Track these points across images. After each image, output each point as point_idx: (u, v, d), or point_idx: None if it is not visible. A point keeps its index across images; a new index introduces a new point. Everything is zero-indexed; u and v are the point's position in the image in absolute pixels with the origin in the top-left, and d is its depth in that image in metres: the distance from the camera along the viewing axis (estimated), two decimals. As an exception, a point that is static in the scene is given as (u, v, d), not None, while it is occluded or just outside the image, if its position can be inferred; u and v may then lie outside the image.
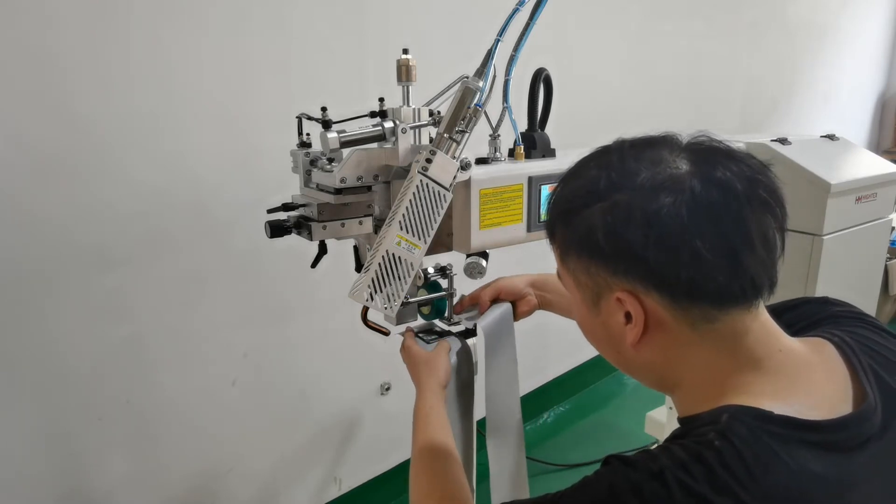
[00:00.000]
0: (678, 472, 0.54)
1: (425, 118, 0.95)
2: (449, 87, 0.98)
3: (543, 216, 0.66)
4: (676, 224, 0.55)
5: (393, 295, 0.87)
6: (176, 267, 1.45)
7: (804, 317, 0.73)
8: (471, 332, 1.03)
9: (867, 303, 1.75)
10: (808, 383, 0.60)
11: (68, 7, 1.21)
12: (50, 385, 1.34)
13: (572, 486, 0.60)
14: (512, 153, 1.06)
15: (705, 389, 0.61)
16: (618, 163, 0.61)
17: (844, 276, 1.56)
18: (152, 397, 1.49)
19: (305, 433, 1.82)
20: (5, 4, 1.15)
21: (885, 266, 2.53)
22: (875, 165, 1.63)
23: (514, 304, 1.10)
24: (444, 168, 0.87)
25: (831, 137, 1.69)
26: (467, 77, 0.91)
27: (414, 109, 0.94)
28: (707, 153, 0.60)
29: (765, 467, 0.54)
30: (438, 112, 0.95)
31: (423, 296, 1.01)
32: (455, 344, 1.00)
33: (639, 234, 0.57)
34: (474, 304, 1.08)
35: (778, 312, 0.66)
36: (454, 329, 1.04)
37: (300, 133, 1.04)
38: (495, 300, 1.08)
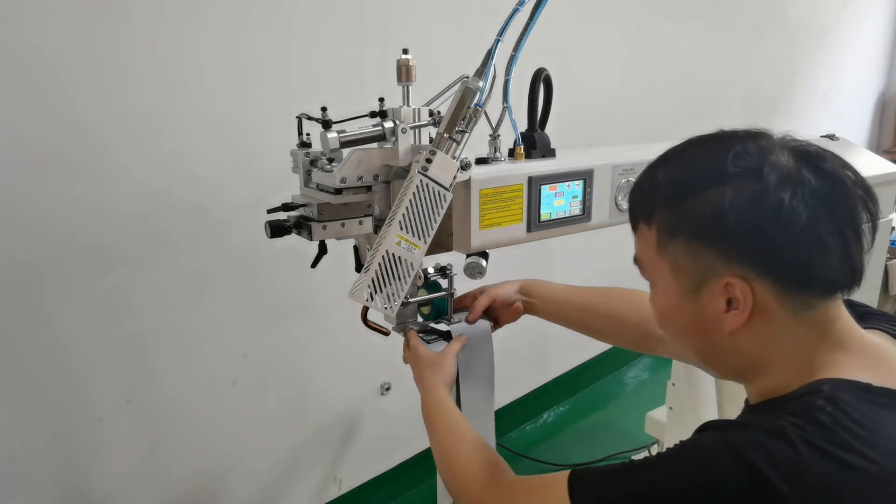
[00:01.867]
0: (799, 431, 0.54)
1: (425, 118, 0.95)
2: (449, 87, 0.98)
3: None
4: (802, 212, 0.57)
5: (393, 295, 0.87)
6: (176, 267, 1.45)
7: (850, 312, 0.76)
8: (449, 336, 1.03)
9: (867, 303, 1.75)
10: (889, 362, 0.63)
11: (67, 7, 1.21)
12: (50, 385, 1.34)
13: (664, 451, 0.61)
14: (512, 153, 1.06)
15: (794, 371, 0.63)
16: (739, 149, 0.61)
17: (844, 276, 1.57)
18: (152, 397, 1.49)
19: (305, 433, 1.82)
20: (4, 4, 1.15)
21: (885, 266, 2.53)
22: (875, 165, 1.63)
23: (501, 312, 1.09)
24: (444, 168, 0.87)
25: (831, 137, 1.68)
26: (467, 77, 0.91)
27: (414, 109, 0.94)
28: (805, 148, 0.62)
29: (877, 429, 0.55)
30: (438, 112, 0.95)
31: (423, 296, 1.01)
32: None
33: (764, 219, 0.58)
34: (463, 308, 1.07)
35: None
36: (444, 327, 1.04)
37: (300, 133, 1.03)
38: (488, 309, 1.07)
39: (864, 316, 0.73)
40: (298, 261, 1.24)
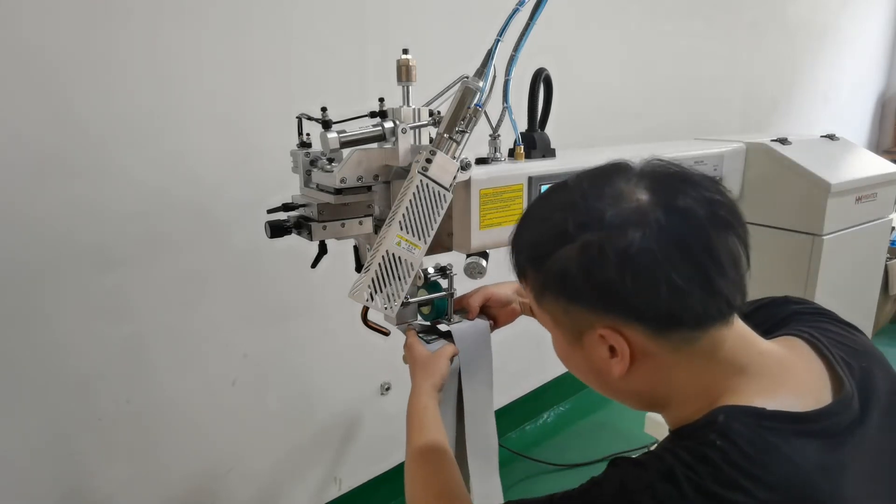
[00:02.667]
0: (687, 471, 0.55)
1: (425, 118, 0.95)
2: (449, 87, 0.99)
3: (510, 258, 0.68)
4: (649, 258, 0.56)
5: (393, 295, 0.87)
6: (176, 267, 1.45)
7: (769, 317, 0.75)
8: (448, 336, 1.03)
9: (867, 303, 1.75)
10: (790, 379, 0.63)
11: (67, 7, 1.21)
12: (49, 385, 1.34)
13: (579, 486, 0.61)
14: (512, 153, 1.06)
15: (695, 401, 0.63)
16: (581, 201, 0.61)
17: (844, 276, 1.56)
18: (152, 397, 1.49)
19: (305, 433, 1.82)
20: (4, 4, 1.15)
21: (885, 266, 2.53)
22: (875, 165, 1.63)
23: (497, 312, 1.09)
24: (444, 168, 0.87)
25: (831, 137, 1.69)
26: (467, 77, 0.91)
27: (414, 109, 0.94)
28: (664, 179, 0.61)
29: (767, 460, 0.56)
30: (438, 112, 0.95)
31: (423, 296, 1.01)
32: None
33: (614, 273, 0.57)
34: (461, 309, 1.07)
35: (747, 315, 0.68)
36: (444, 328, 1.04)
37: (300, 133, 1.03)
38: (483, 307, 1.07)
39: (786, 320, 0.73)
40: (298, 261, 1.25)
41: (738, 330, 0.64)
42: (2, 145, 1.19)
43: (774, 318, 0.75)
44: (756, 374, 0.62)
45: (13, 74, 1.18)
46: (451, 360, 0.97)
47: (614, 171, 0.63)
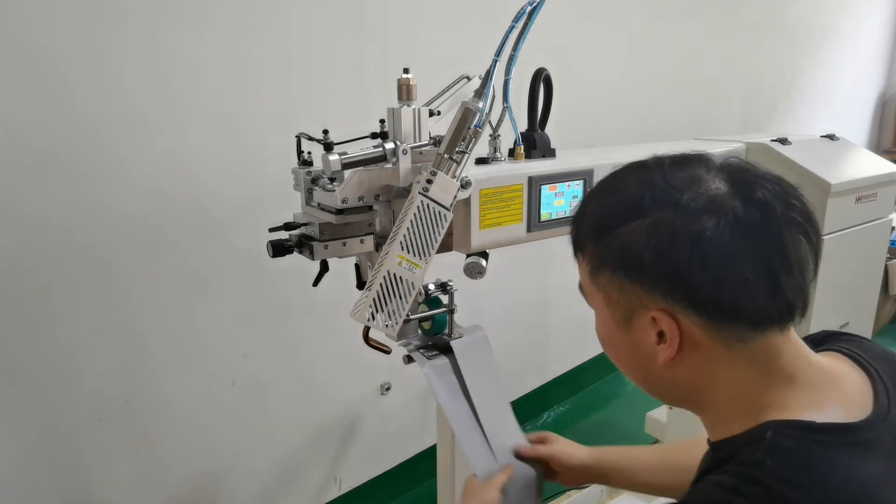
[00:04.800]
0: (735, 498, 0.54)
1: (426, 139, 0.95)
2: (449, 87, 0.99)
3: (569, 228, 0.66)
4: (721, 246, 0.55)
5: (394, 314, 0.87)
6: (176, 267, 1.45)
7: (804, 339, 0.73)
8: (449, 350, 1.02)
9: (867, 303, 1.75)
10: (838, 391, 0.61)
11: (67, 6, 1.21)
12: (50, 385, 1.34)
13: None
14: (512, 153, 1.06)
15: (739, 407, 0.61)
16: (659, 180, 0.59)
17: (844, 276, 1.56)
18: (152, 397, 1.49)
19: (305, 433, 1.82)
20: (4, 4, 1.15)
21: (885, 266, 2.53)
22: (875, 165, 1.63)
23: (559, 470, 1.00)
24: (444, 188, 0.87)
25: (831, 137, 1.69)
26: (467, 78, 0.91)
27: (414, 122, 0.94)
28: (742, 174, 0.60)
29: (820, 475, 0.54)
30: (438, 137, 0.95)
31: (424, 312, 1.01)
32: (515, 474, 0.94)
33: (683, 255, 0.56)
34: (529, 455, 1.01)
35: None
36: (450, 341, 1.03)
37: (299, 154, 1.04)
38: (545, 458, 1.00)
39: (823, 339, 0.72)
40: (298, 261, 1.25)
41: (793, 341, 0.62)
42: (2, 145, 1.19)
43: (810, 340, 0.72)
44: (805, 385, 0.60)
45: (14, 75, 1.18)
46: (502, 490, 0.90)
47: (695, 159, 0.62)
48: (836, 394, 0.61)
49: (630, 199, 0.60)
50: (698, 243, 0.55)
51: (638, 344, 0.63)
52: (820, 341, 0.71)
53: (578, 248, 0.67)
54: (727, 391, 0.62)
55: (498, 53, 0.89)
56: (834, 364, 0.64)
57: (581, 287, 0.70)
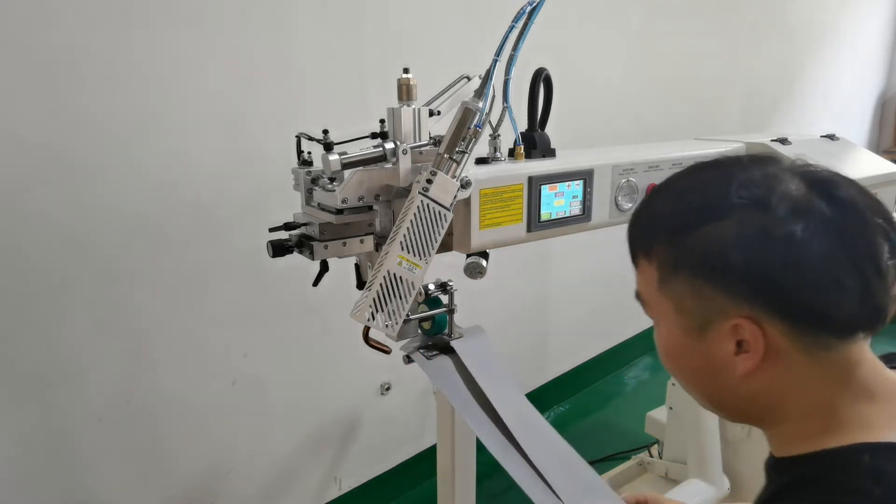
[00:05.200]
0: None
1: (425, 139, 0.95)
2: (449, 87, 0.99)
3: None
4: (814, 247, 0.52)
5: (394, 314, 0.87)
6: (176, 267, 1.45)
7: None
8: (450, 351, 1.03)
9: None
10: None
11: (69, 6, 1.21)
12: (50, 385, 1.34)
13: None
14: (512, 153, 1.06)
15: (817, 423, 0.58)
16: (742, 177, 0.56)
17: (844, 276, 1.56)
18: (152, 397, 1.49)
19: (305, 433, 1.82)
20: (6, 4, 1.15)
21: (885, 266, 2.52)
22: (875, 165, 1.63)
23: None
24: (444, 188, 0.87)
25: (831, 137, 1.68)
26: (467, 78, 0.91)
27: (414, 122, 0.94)
28: (818, 174, 0.57)
29: None
30: (438, 137, 0.95)
31: (424, 311, 1.01)
32: None
33: (776, 256, 0.53)
34: None
35: None
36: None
37: (299, 154, 1.04)
38: None
39: (889, 357, 0.68)
40: (298, 261, 1.25)
41: (868, 350, 0.58)
42: (4, 145, 1.19)
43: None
44: (884, 401, 0.57)
45: (15, 75, 1.18)
46: None
47: (770, 159, 0.59)
48: None
49: (713, 197, 0.56)
50: (792, 244, 0.52)
51: (712, 355, 0.58)
52: (886, 360, 0.67)
53: (643, 251, 0.62)
54: (805, 404, 0.58)
55: (498, 53, 0.89)
56: None
57: (639, 295, 0.65)
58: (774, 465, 0.61)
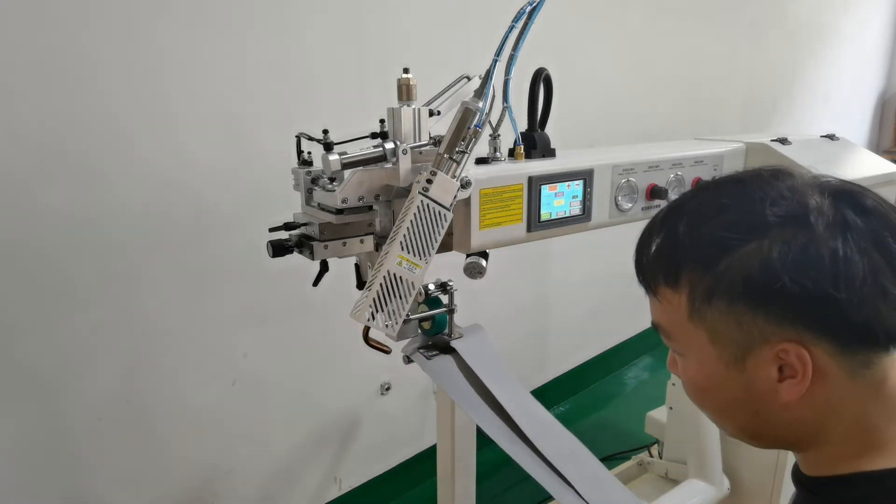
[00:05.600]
0: None
1: (426, 139, 0.95)
2: (449, 87, 0.99)
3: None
4: (858, 260, 0.50)
5: (394, 314, 0.87)
6: (176, 267, 1.45)
7: None
8: (450, 351, 1.03)
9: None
10: None
11: (71, 6, 1.21)
12: (50, 385, 1.34)
13: None
14: (512, 153, 1.06)
15: (857, 444, 0.56)
16: (771, 194, 0.53)
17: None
18: (152, 397, 1.49)
19: (305, 433, 1.82)
20: (8, 3, 1.15)
21: (885, 266, 2.52)
22: (875, 165, 1.63)
23: None
24: (444, 188, 0.87)
25: (831, 137, 1.68)
26: (467, 78, 0.91)
27: (414, 122, 0.94)
28: (838, 185, 0.55)
29: None
30: (438, 137, 0.95)
31: (424, 312, 1.01)
32: None
33: (824, 274, 0.50)
34: None
35: None
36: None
37: (299, 153, 1.04)
38: None
39: None
40: (298, 261, 1.25)
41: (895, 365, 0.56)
42: (4, 145, 1.19)
43: None
44: None
45: (15, 74, 1.18)
46: None
47: (785, 172, 0.56)
48: None
49: (745, 216, 0.53)
50: (837, 260, 0.50)
51: (752, 385, 0.55)
52: None
53: (668, 280, 0.58)
54: (846, 426, 0.56)
55: (498, 53, 0.89)
56: None
57: (660, 326, 0.61)
58: (808, 484, 0.59)
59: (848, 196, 0.53)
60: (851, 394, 0.54)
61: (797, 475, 0.62)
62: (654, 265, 0.59)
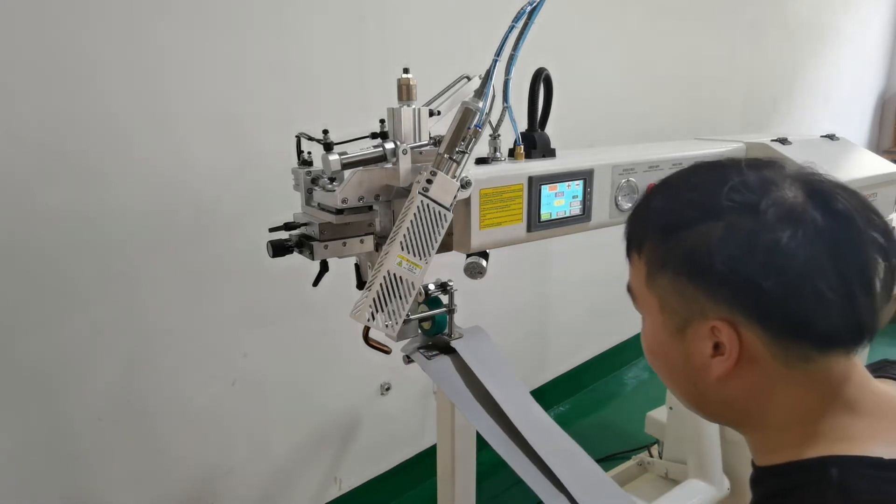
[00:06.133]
0: None
1: (425, 139, 0.95)
2: (449, 87, 0.99)
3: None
4: (799, 257, 0.52)
5: (394, 314, 0.87)
6: (176, 267, 1.45)
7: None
8: (450, 351, 1.03)
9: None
10: None
11: (71, 6, 1.21)
12: (50, 385, 1.34)
13: None
14: (512, 153, 1.06)
15: (793, 431, 0.57)
16: (737, 181, 0.56)
17: (844, 276, 1.56)
18: (152, 397, 1.49)
19: (305, 433, 1.82)
20: (9, 3, 1.15)
21: (885, 266, 2.51)
22: (875, 165, 1.63)
23: None
24: (444, 188, 0.87)
25: (831, 137, 1.68)
26: (467, 78, 0.91)
27: (414, 122, 0.94)
28: (820, 183, 0.56)
29: None
30: (438, 137, 0.95)
31: (424, 312, 1.01)
32: None
33: (759, 262, 0.52)
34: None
35: None
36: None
37: (299, 153, 1.04)
38: None
39: (882, 367, 0.68)
40: (298, 261, 1.25)
41: (855, 364, 0.58)
42: (5, 145, 1.19)
43: (870, 368, 0.68)
44: (867, 414, 0.56)
45: (15, 74, 1.18)
46: None
47: (771, 164, 0.58)
48: None
49: (705, 198, 0.57)
50: (775, 252, 0.52)
51: (691, 355, 0.59)
52: (878, 369, 0.67)
53: (636, 246, 0.63)
54: (782, 414, 0.58)
55: (498, 53, 0.89)
56: (891, 390, 0.60)
57: (630, 289, 0.66)
58: (754, 475, 0.62)
59: (820, 195, 0.55)
60: (788, 383, 0.56)
61: (751, 473, 0.64)
62: (629, 232, 0.65)
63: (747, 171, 0.57)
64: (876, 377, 0.63)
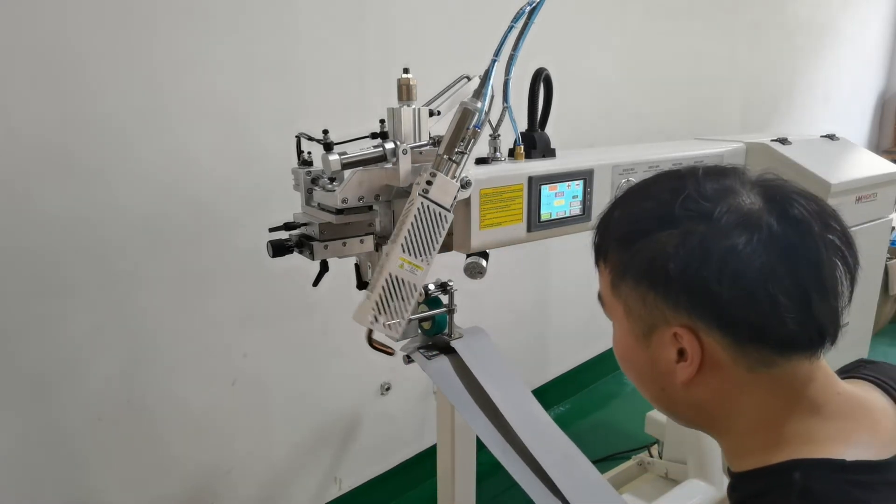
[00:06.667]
0: None
1: (425, 139, 0.95)
2: (449, 87, 0.99)
3: (593, 237, 0.63)
4: (753, 263, 0.53)
5: (397, 316, 0.88)
6: (176, 267, 1.45)
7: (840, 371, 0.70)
8: (450, 351, 1.03)
9: (867, 303, 1.75)
10: (870, 422, 0.58)
11: (71, 6, 1.21)
12: (50, 385, 1.34)
13: None
14: (512, 153, 1.07)
15: (760, 435, 0.58)
16: (693, 190, 0.57)
17: (844, 276, 1.56)
18: (152, 397, 1.49)
19: (305, 433, 1.82)
20: (9, 3, 1.15)
21: (885, 266, 2.53)
22: (875, 165, 1.63)
23: None
24: (444, 189, 0.87)
25: (831, 137, 1.69)
26: (467, 78, 0.91)
27: (414, 122, 0.94)
28: (778, 189, 0.57)
29: None
30: (438, 137, 0.95)
31: (424, 311, 1.01)
32: None
33: (713, 269, 0.53)
34: None
35: None
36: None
37: (299, 154, 1.04)
38: None
39: (855, 366, 0.68)
40: (298, 261, 1.25)
41: (820, 366, 0.58)
42: (5, 144, 1.19)
43: (842, 371, 0.68)
44: (832, 416, 0.57)
45: (15, 74, 1.18)
46: None
47: (730, 171, 0.60)
48: (865, 425, 0.58)
49: (660, 207, 0.58)
50: (730, 258, 0.53)
51: (657, 361, 0.60)
52: (852, 369, 0.68)
53: (601, 255, 0.64)
54: (748, 418, 0.59)
55: (497, 53, 0.89)
56: (863, 392, 0.61)
57: (600, 297, 0.67)
58: (731, 482, 0.62)
59: (777, 202, 0.55)
60: (751, 388, 0.57)
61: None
62: (594, 240, 0.66)
63: (704, 180, 0.58)
64: (848, 377, 0.64)
